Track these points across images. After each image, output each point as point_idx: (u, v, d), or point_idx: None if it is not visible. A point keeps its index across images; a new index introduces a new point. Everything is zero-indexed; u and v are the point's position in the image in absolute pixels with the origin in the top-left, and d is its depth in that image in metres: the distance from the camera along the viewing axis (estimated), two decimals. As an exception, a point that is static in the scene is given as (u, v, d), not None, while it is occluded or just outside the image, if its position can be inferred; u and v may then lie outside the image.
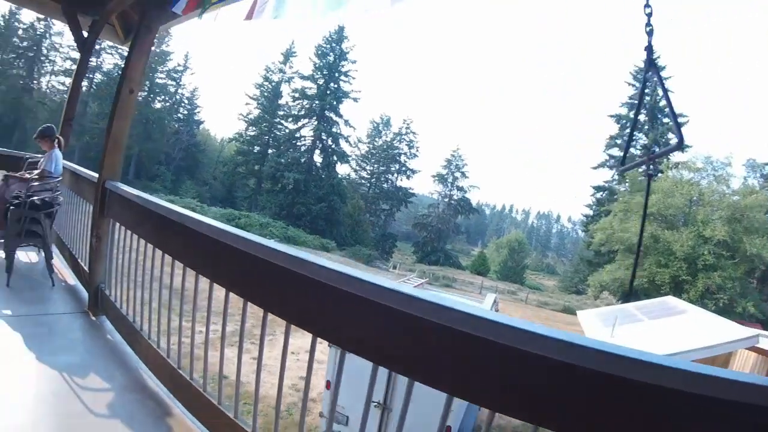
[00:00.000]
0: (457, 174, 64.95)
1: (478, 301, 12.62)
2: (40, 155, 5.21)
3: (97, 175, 3.80)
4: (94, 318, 3.76)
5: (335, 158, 56.06)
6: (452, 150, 66.57)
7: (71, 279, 4.66)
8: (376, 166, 63.48)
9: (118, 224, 3.52)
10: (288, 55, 57.27)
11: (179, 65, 56.17)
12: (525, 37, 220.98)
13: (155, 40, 5.32)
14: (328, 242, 43.91)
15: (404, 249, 66.71)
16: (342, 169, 59.23)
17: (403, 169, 63.09)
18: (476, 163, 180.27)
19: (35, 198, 4.36)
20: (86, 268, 4.03)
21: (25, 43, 49.18)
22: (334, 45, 56.28)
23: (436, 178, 65.27)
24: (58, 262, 5.03)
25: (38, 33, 49.49)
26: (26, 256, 5.08)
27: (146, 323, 3.04)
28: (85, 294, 4.09)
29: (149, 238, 2.97)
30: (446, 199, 64.80)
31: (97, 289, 3.77)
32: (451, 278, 46.55)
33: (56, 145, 4.92)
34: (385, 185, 63.49)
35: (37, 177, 4.72)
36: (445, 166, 65.32)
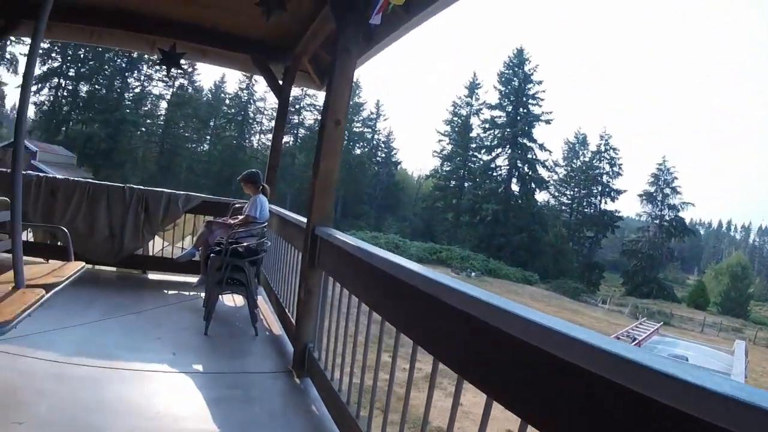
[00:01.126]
0: (667, 190, 56.65)
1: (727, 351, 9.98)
2: (246, 201, 5.11)
3: (305, 220, 3.36)
4: (297, 380, 3.25)
5: (533, 185, 53.88)
6: (658, 163, 58.51)
7: (277, 327, 4.33)
8: (576, 190, 58.95)
9: (331, 278, 2.98)
10: (473, 87, 57.55)
11: (372, 113, 60.46)
12: (734, 25, 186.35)
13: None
14: (531, 275, 41.41)
15: (611, 280, 59.43)
16: (541, 197, 56.59)
17: (607, 190, 57.39)
18: (685, 174, 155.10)
19: (238, 246, 4.14)
20: (293, 321, 3.59)
21: (233, 110, 57.90)
22: (516, 69, 54.92)
23: (644, 197, 57.37)
24: (265, 306, 4.86)
25: (243, 100, 57.94)
26: (231, 298, 4.99)
27: (359, 405, 2.37)
28: (290, 347, 3.66)
29: (371, 302, 2.33)
30: (656, 221, 56.21)
31: (304, 348, 3.25)
32: (668, 313, 40.06)
33: (261, 191, 4.74)
34: (587, 210, 58.47)
35: (241, 222, 4.55)
36: (653, 182, 57.34)
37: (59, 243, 5.48)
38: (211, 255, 4.15)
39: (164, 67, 5.55)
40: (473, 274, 33.08)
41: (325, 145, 3.12)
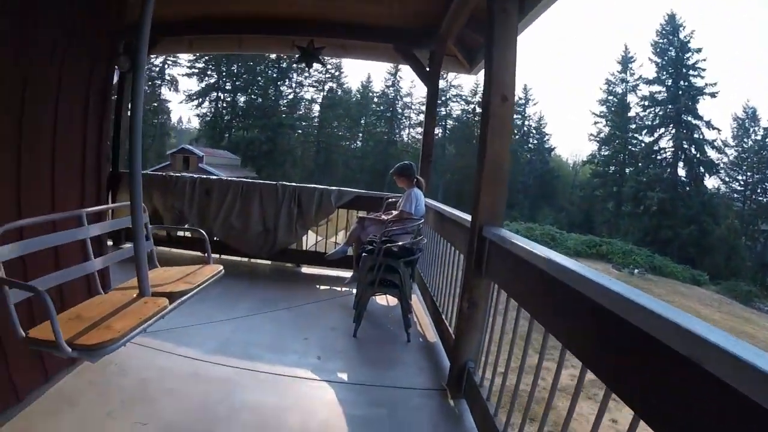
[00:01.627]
0: None
1: None
2: (400, 195, 4.87)
3: (469, 218, 2.83)
4: (452, 402, 2.78)
5: (702, 169, 46.56)
6: None
7: (432, 333, 3.88)
8: (749, 174, 49.66)
9: (503, 292, 2.38)
10: (626, 61, 51.27)
11: (520, 98, 57.30)
12: None
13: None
14: (700, 274, 35.79)
15: (790, 283, 48.60)
16: (710, 183, 48.66)
17: (785, 175, 47.33)
18: None
19: (392, 245, 3.77)
20: (451, 332, 3.13)
21: (381, 107, 59.28)
22: (671, 37, 47.52)
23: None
24: (419, 306, 4.49)
25: (390, 97, 59.05)
26: (383, 296, 4.68)
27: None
28: (446, 360, 3.20)
29: (564, 337, 1.66)
30: None
31: (463, 367, 2.74)
32: None
33: (415, 185, 4.39)
34: (762, 198, 48.86)
35: (394, 219, 4.21)
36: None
37: (215, 239, 5.73)
38: (363, 254, 3.85)
39: (303, 64, 5.68)
40: (636, 271, 29.60)
41: (492, 126, 2.55)
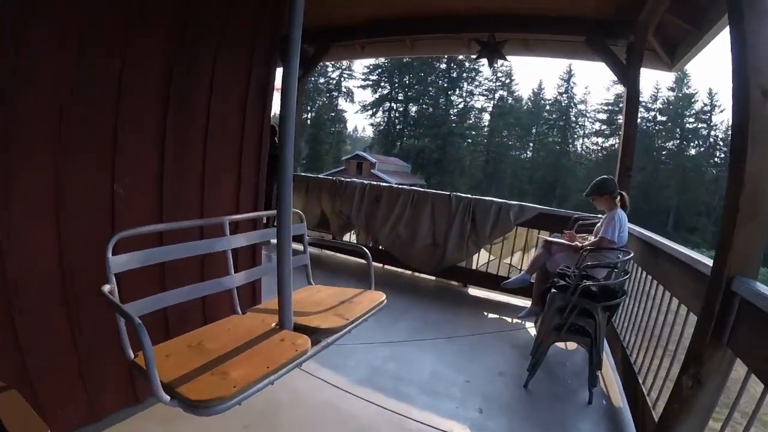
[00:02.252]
0: None
1: None
2: (593, 215, 4.08)
3: (705, 260, 2.08)
4: None
5: None
6: None
7: (618, 397, 3.04)
8: None
9: (757, 378, 1.55)
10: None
11: (705, 105, 50.18)
12: None
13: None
14: None
15: None
16: None
17: None
18: None
19: (591, 284, 2.95)
20: (651, 407, 2.37)
21: (553, 116, 56.21)
22: None
23: None
24: (605, 359, 3.56)
25: (563, 105, 55.82)
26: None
27: None
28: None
29: None
30: None
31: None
32: None
33: (618, 204, 3.58)
34: None
35: (592, 247, 3.42)
36: None
37: (380, 247, 5.54)
38: (552, 291, 3.11)
39: (483, 60, 5.26)
40: None
41: (752, 133, 1.75)
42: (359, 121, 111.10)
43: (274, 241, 1.64)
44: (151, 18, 2.09)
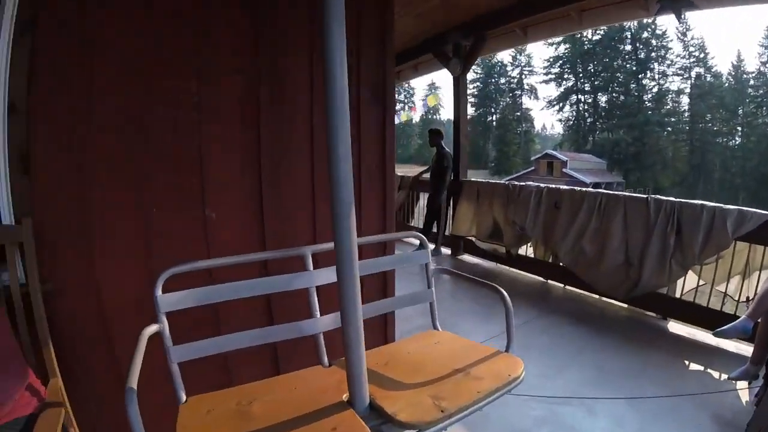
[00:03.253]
0: None
1: None
2: None
3: None
4: None
5: None
6: None
7: None
8: None
9: None
10: None
11: None
12: None
13: None
14: None
15: None
16: None
17: None
18: None
19: None
20: None
21: (760, 91, 45.78)
22: None
23: None
24: None
25: None
26: None
27: None
28: None
29: None
30: None
31: None
32: None
33: None
34: None
35: None
36: None
37: (560, 263, 4.64)
38: None
39: (671, 35, 4.01)
40: None
41: None
42: (546, 118, 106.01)
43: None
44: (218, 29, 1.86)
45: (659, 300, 3.98)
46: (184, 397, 1.29)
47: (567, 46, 52.65)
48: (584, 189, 4.63)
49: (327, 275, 1.48)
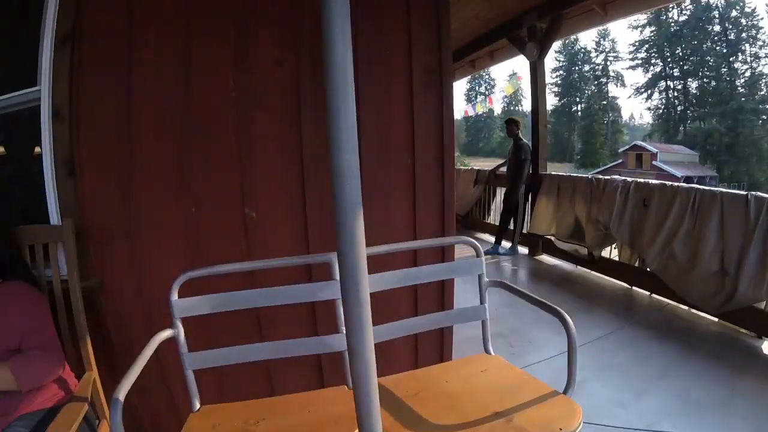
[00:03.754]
0: None
1: None
2: None
3: None
4: None
5: None
6: None
7: None
8: None
9: None
10: None
11: None
12: None
13: None
14: None
15: None
16: None
17: None
18: None
19: None
20: None
21: None
22: None
23: None
24: None
25: None
26: None
27: None
28: None
29: None
30: None
31: None
32: None
33: None
34: None
35: None
36: None
37: (647, 269, 4.17)
38: None
39: (762, 13, 3.35)
40: None
41: None
42: (635, 106, 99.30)
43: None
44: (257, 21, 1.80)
45: (755, 315, 3.40)
46: (197, 405, 1.29)
47: (652, 28, 49.17)
48: (676, 184, 4.09)
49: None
